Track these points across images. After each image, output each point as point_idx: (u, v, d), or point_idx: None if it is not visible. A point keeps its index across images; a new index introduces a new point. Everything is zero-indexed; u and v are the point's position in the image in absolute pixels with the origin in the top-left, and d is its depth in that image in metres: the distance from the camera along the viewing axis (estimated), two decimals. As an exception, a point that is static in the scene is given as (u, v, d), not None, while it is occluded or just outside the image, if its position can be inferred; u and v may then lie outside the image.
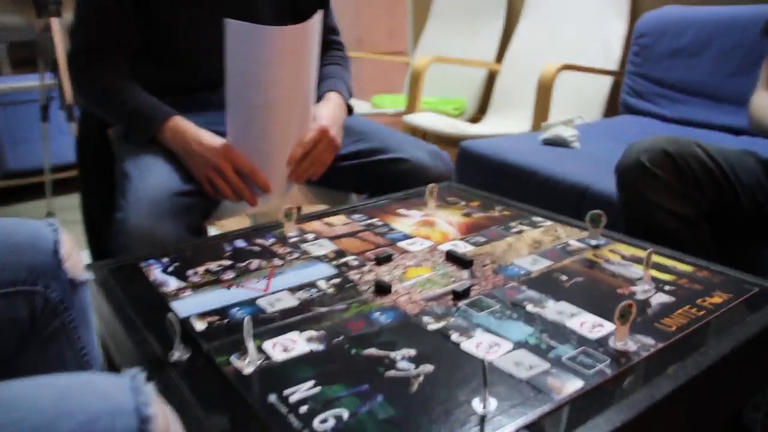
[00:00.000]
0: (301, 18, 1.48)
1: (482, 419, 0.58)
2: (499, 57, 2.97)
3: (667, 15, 2.27)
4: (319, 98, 1.37)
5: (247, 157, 1.16)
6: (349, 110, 1.43)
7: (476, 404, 0.60)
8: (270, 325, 0.76)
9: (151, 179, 1.11)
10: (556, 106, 2.33)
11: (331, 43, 1.52)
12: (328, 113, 1.28)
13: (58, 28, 2.35)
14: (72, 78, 1.29)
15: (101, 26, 1.25)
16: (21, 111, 2.75)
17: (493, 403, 0.60)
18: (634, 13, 2.53)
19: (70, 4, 2.33)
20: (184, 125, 1.20)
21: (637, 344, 0.70)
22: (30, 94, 2.70)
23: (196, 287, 0.86)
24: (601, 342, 0.71)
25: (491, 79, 2.98)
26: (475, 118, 2.99)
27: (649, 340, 0.71)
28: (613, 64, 2.53)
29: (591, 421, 0.58)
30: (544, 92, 2.29)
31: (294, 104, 1.17)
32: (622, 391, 0.63)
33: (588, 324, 0.75)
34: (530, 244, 1.00)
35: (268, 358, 0.69)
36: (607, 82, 2.55)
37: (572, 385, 0.63)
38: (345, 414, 0.59)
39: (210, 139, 1.17)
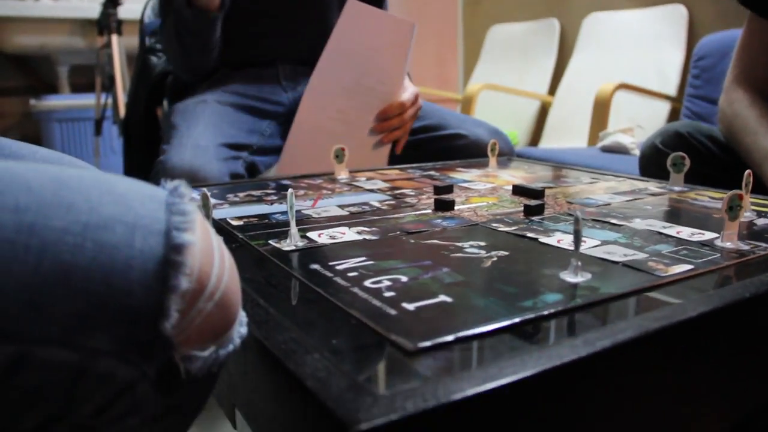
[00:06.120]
0: None
1: (575, 288, 0.47)
2: (552, 90, 2.90)
3: (728, 37, 2.18)
4: None
5: (318, 133, 1.14)
6: None
7: (566, 274, 0.49)
8: (316, 224, 0.66)
9: (199, 128, 1.05)
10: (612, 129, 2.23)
11: None
12: (413, 87, 1.25)
13: (117, 46, 2.38)
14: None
15: None
16: (76, 128, 2.79)
17: (586, 274, 0.49)
18: (691, 41, 2.45)
19: (128, 26, 2.36)
20: None
21: (749, 245, 0.59)
22: (85, 112, 2.73)
23: (236, 204, 0.78)
24: (705, 243, 0.59)
25: (544, 112, 2.90)
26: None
27: (763, 244, 0.59)
28: (670, 92, 2.44)
29: (714, 291, 0.47)
30: (600, 112, 2.20)
31: (378, 98, 1.16)
32: (747, 270, 0.52)
33: (686, 232, 0.63)
34: (606, 188, 0.89)
35: (312, 241, 0.59)
36: (664, 109, 2.44)
37: (680, 267, 0.52)
38: (403, 278, 0.49)
39: None
